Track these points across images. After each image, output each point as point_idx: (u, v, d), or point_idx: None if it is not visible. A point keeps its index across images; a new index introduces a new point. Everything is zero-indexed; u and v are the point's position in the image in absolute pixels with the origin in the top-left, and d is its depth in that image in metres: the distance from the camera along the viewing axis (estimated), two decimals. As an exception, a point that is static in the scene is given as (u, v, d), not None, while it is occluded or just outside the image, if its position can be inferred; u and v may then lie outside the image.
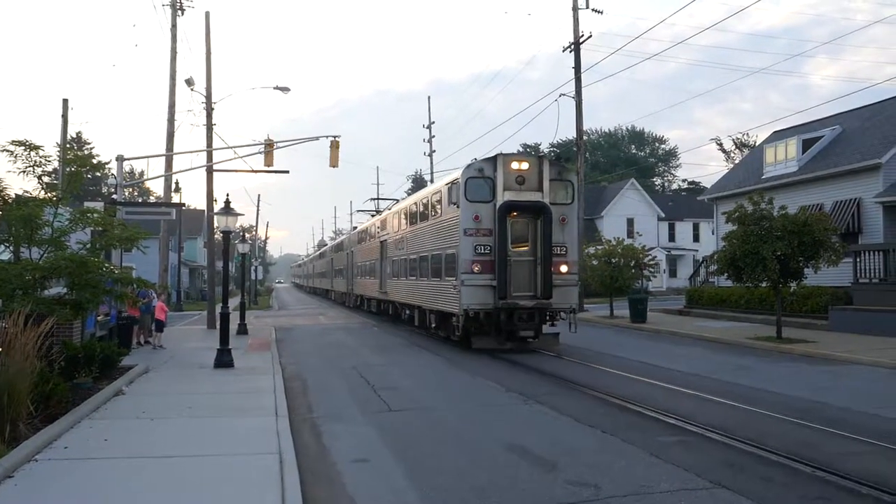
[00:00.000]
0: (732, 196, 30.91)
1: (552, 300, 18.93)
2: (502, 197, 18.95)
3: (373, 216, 40.11)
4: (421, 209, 24.86)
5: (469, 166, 19.67)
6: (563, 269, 19.36)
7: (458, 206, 19.44)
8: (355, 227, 46.96)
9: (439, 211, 21.81)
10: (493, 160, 19.38)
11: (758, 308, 27.63)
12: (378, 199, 51.37)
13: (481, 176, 19.40)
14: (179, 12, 30.17)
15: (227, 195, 17.72)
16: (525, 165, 19.46)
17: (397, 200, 38.04)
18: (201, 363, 16.98)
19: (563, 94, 32.58)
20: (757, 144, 46.06)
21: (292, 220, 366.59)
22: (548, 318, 19.97)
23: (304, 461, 8.48)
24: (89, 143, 75.11)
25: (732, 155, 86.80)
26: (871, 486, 7.39)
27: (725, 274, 22.00)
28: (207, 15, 29.85)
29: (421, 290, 24.03)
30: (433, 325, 22.96)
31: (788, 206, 21.45)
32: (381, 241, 31.77)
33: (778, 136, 35.41)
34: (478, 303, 18.82)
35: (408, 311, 27.26)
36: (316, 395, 13.75)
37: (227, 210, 17.53)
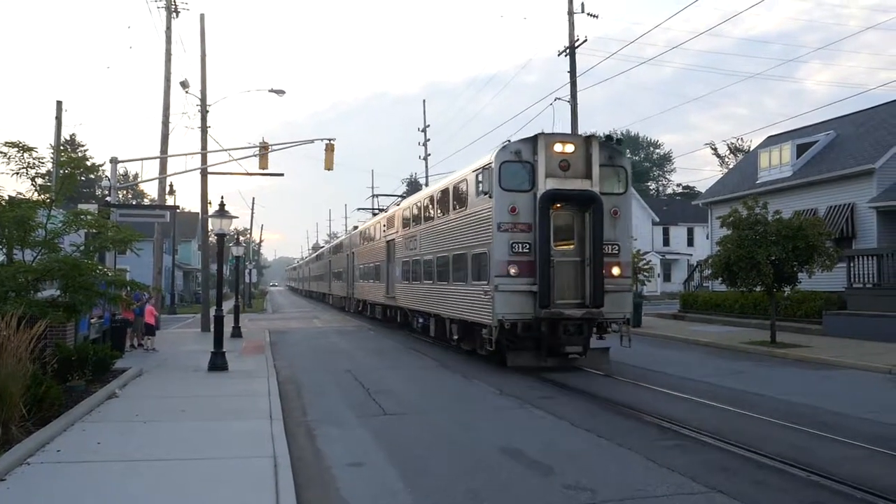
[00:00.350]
0: (727, 201, 30.97)
1: (603, 309, 16.05)
2: (544, 185, 15.95)
3: (374, 214, 37.87)
4: (439, 202, 21.71)
5: (503, 148, 16.57)
6: (616, 271, 16.52)
7: (489, 197, 16.37)
8: (355, 227, 44.32)
9: (464, 203, 18.72)
10: (532, 141, 16.32)
11: (752, 313, 27.69)
12: (380, 195, 49.13)
13: (518, 160, 16.31)
14: (174, 14, 30.09)
15: (222, 198, 17.73)
16: (570, 147, 16.39)
17: (403, 196, 36.21)
18: (195, 366, 16.91)
19: (559, 98, 32.61)
20: (751, 149, 46.18)
21: (287, 223, 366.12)
22: (596, 329, 16.88)
23: (299, 464, 8.45)
24: (83, 146, 75.00)
25: (727, 160, 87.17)
26: (866, 490, 7.39)
27: (720, 278, 22.04)
28: (202, 17, 29.91)
29: (439, 295, 20.93)
30: (455, 337, 19.81)
31: (783, 211, 21.53)
32: (388, 241, 29.09)
33: (772, 140, 35.52)
34: (515, 312, 15.86)
35: (421, 320, 24.18)
36: (310, 398, 13.70)
37: (222, 213, 17.49)
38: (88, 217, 14.49)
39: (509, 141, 17.26)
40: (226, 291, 46.96)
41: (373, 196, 48.39)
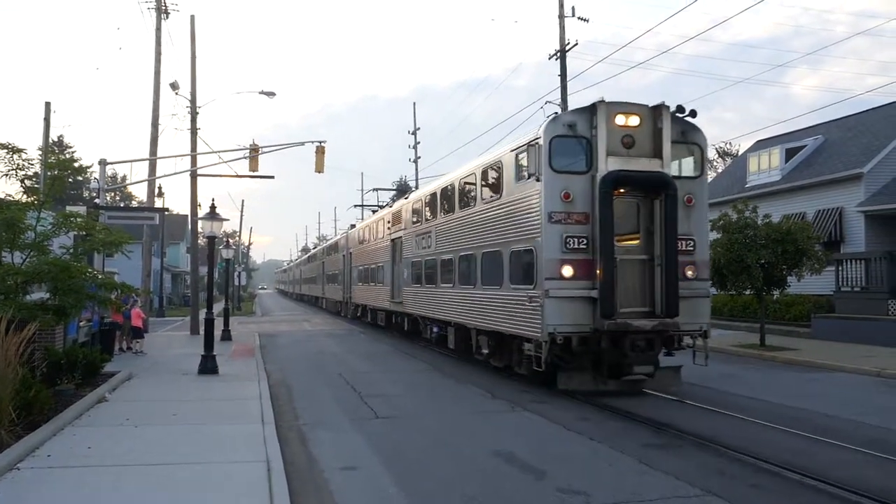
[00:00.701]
0: (717, 204, 31.00)
1: (678, 319, 13.18)
2: (606, 165, 13.21)
3: (374, 212, 36.22)
4: (462, 192, 18.58)
5: (554, 119, 13.89)
6: (690, 272, 13.69)
7: (537, 180, 13.44)
8: (352, 226, 41.04)
9: (498, 190, 15.75)
10: (588, 111, 13.55)
11: (741, 316, 27.83)
12: (380, 189, 47.04)
13: (572, 134, 13.51)
14: (164, 16, 29.97)
15: (213, 200, 17.78)
16: (635, 120, 13.65)
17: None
18: (185, 369, 16.80)
19: (549, 102, 32.63)
20: (740, 153, 46.44)
21: (276, 225, 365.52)
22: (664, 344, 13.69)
23: (292, 469, 8.39)
24: (71, 147, 74.35)
25: (716, 164, 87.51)
26: (860, 493, 7.43)
27: (710, 281, 22.11)
28: (192, 18, 29.76)
29: (462, 301, 17.92)
30: (484, 351, 16.88)
31: (772, 215, 21.67)
32: (394, 240, 26.15)
33: (761, 144, 35.75)
34: (569, 323, 12.96)
35: (435, 329, 21.24)
36: (302, 401, 13.63)
37: (213, 215, 17.42)
38: (78, 219, 14.38)
39: (557, 113, 14.23)
40: (214, 294, 46.67)
41: (372, 190, 46.60)
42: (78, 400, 11.80)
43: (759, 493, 7.65)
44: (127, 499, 7.20)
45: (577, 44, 31.97)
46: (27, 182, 14.57)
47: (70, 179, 21.33)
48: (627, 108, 13.81)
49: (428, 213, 21.85)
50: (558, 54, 31.93)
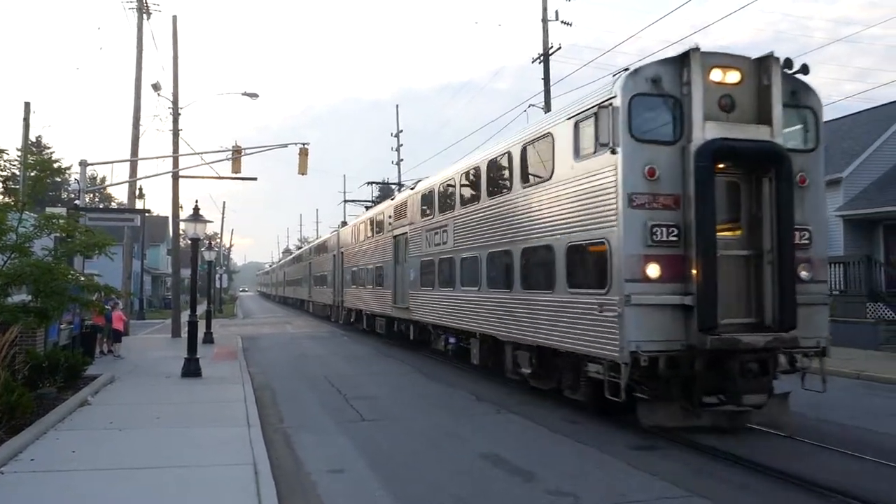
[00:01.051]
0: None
1: (796, 332, 10.20)
2: (703, 132, 10.21)
3: (367, 208, 34.33)
4: (492, 175, 15.46)
5: (634, 73, 10.58)
6: (805, 272, 10.78)
7: (612, 152, 10.31)
8: (344, 223, 38.50)
9: (548, 169, 12.49)
10: (677, 63, 10.57)
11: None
12: (375, 183, 45.21)
13: (658, 93, 10.51)
14: (146, 16, 29.74)
15: (197, 202, 17.53)
16: (735, 76, 10.66)
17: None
18: (168, 372, 16.66)
19: (532, 105, 32.80)
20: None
21: (257, 227, 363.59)
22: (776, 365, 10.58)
23: (278, 472, 8.36)
24: (49, 148, 73.51)
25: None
26: (841, 493, 7.52)
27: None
28: (175, 19, 29.59)
29: (494, 308, 14.74)
30: (524, 370, 13.59)
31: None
32: (397, 236, 23.12)
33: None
34: (657, 339, 9.91)
35: (452, 340, 18.32)
36: (287, 404, 13.58)
37: (197, 217, 17.30)
38: (61, 221, 14.22)
39: (637, 68, 10.76)
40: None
41: (367, 184, 44.79)
42: (60, 403, 11.68)
43: (744, 492, 7.75)
44: (114, 503, 7.14)
45: (560, 47, 32.11)
46: (8, 184, 14.39)
47: (49, 181, 21.03)
48: (726, 60, 10.84)
49: (443, 204, 18.72)
50: (542, 58, 32.06)
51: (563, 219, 11.88)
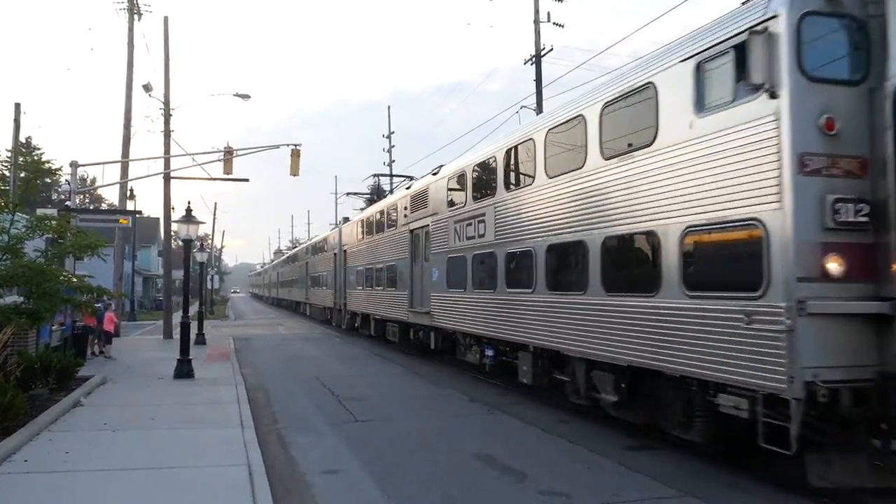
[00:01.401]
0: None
1: None
2: None
3: (369, 203, 31.97)
4: (552, 148, 12.37)
5: None
6: None
7: (769, 96, 7.51)
8: (346, 219, 35.40)
9: (648, 134, 9.55)
10: None
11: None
12: (380, 175, 43.70)
13: (836, 12, 7.68)
14: (137, 17, 29.67)
15: (189, 203, 17.60)
16: None
17: (412, 178, 29.99)
18: (160, 374, 16.65)
19: (525, 107, 32.86)
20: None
21: (248, 228, 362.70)
22: None
23: (273, 473, 8.39)
24: (39, 149, 73.11)
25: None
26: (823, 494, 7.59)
27: None
28: (166, 20, 29.51)
29: (557, 315, 11.77)
30: (609, 398, 10.49)
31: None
32: (414, 230, 20.28)
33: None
34: (842, 365, 7.17)
35: (489, 352, 15.11)
36: (280, 405, 13.60)
37: (189, 218, 17.30)
38: (52, 222, 14.20)
39: None
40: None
41: (376, 175, 43.66)
42: (53, 405, 11.67)
43: (735, 491, 7.83)
44: (108, 504, 7.17)
45: (552, 49, 32.20)
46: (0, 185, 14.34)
47: (39, 182, 20.91)
48: None
49: (478, 189, 15.80)
50: (534, 59, 32.15)
51: (677, 195, 8.92)
